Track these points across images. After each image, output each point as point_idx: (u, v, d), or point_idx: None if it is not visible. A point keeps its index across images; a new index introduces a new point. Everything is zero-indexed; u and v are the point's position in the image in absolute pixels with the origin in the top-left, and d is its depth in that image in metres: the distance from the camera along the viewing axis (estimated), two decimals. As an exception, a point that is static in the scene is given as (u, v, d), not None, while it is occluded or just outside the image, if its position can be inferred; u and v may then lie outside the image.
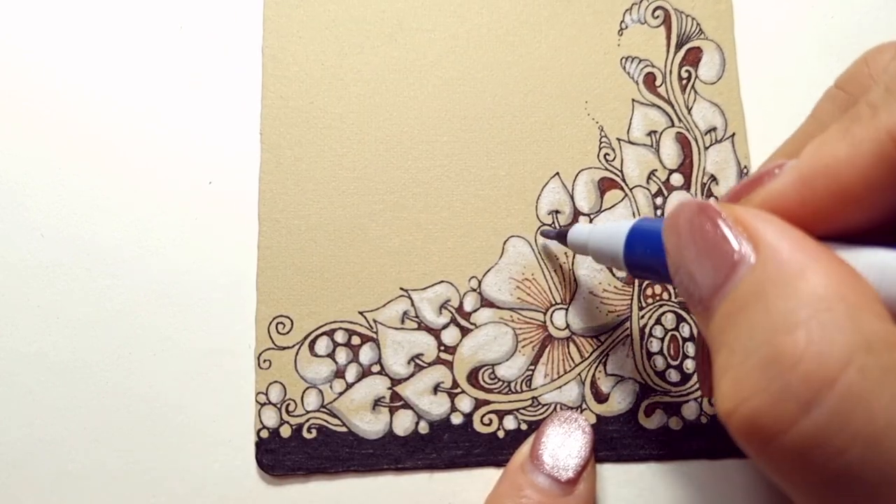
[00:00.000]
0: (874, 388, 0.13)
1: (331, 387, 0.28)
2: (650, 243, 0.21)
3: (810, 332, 0.14)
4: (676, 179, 0.30)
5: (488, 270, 0.29)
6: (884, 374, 0.13)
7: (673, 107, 0.31)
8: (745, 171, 0.30)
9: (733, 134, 0.30)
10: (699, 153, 0.30)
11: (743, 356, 0.15)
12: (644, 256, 0.22)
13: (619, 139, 0.30)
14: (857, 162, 0.16)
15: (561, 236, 0.27)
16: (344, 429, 0.28)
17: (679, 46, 0.31)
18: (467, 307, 0.29)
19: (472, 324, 0.29)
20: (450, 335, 0.29)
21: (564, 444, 0.26)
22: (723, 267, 0.16)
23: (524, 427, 0.28)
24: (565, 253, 0.29)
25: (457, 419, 0.28)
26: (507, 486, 0.26)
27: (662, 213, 0.30)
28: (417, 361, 0.28)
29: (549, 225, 0.29)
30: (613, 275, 0.29)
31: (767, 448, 0.14)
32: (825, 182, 0.16)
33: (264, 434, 0.28)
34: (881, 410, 0.13)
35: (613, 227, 0.23)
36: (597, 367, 0.29)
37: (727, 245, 0.16)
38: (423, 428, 0.28)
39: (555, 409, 0.28)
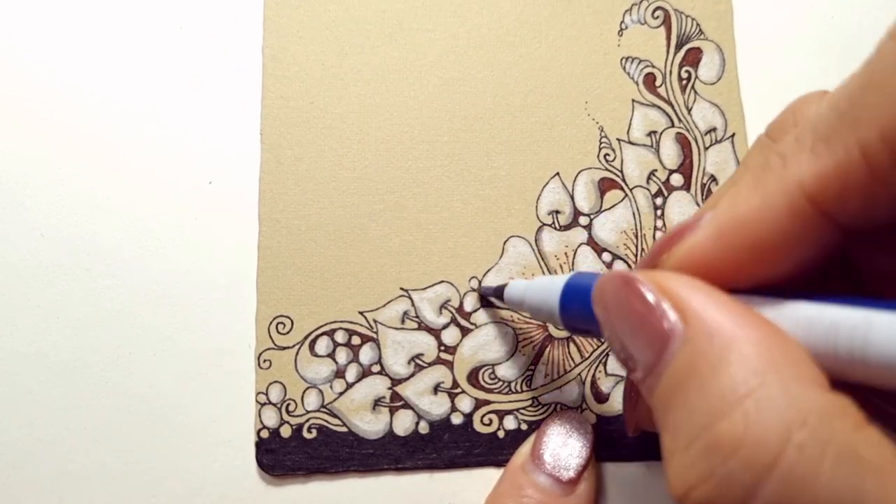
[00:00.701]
0: (814, 466, 0.13)
1: (331, 387, 0.28)
2: (585, 302, 0.20)
3: (746, 415, 0.13)
4: (676, 180, 0.30)
5: (488, 270, 0.29)
6: (822, 449, 0.13)
7: (673, 107, 0.31)
8: (744, 171, 0.30)
9: (733, 134, 0.30)
10: (699, 153, 0.30)
11: (685, 442, 0.15)
12: (580, 316, 0.21)
13: (619, 139, 0.30)
14: (770, 214, 0.16)
15: (498, 293, 0.27)
16: (344, 429, 0.28)
17: (679, 47, 0.31)
18: (467, 307, 0.29)
19: (472, 324, 0.29)
20: (450, 335, 0.29)
21: (566, 444, 0.26)
22: (655, 342, 0.16)
23: (524, 427, 0.28)
24: (565, 253, 0.29)
25: (457, 419, 0.28)
26: (507, 486, 0.26)
27: (662, 214, 0.30)
28: (418, 361, 0.28)
29: (550, 225, 0.30)
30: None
31: None
32: (740, 235, 0.16)
33: (264, 434, 0.28)
34: (824, 488, 0.13)
35: (548, 283, 0.22)
36: (597, 367, 0.29)
37: (655, 319, 0.16)
38: (424, 428, 0.28)
39: (555, 409, 0.28)
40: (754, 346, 0.14)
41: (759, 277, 0.16)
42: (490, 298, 0.28)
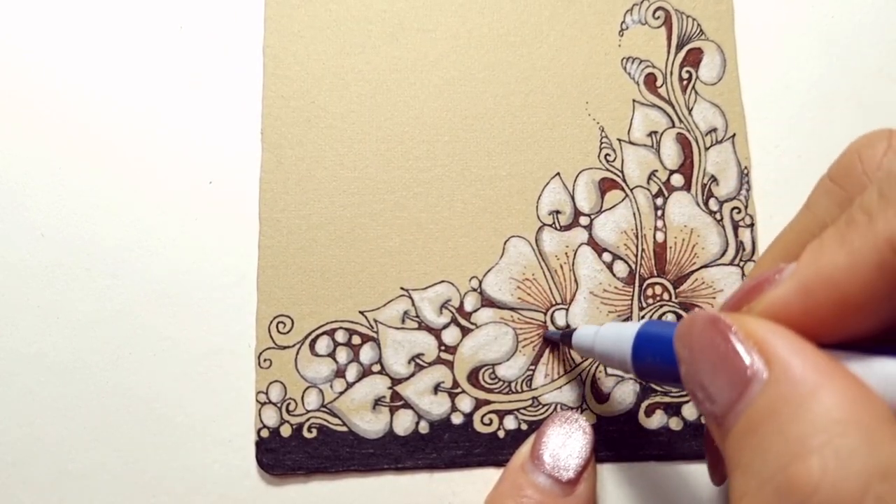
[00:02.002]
0: None
1: (331, 386, 0.28)
2: (658, 350, 0.21)
3: (825, 460, 0.13)
4: (677, 180, 0.30)
5: (489, 270, 0.29)
6: None
7: (673, 107, 0.31)
8: (745, 171, 0.30)
9: (734, 135, 0.30)
10: (700, 154, 0.30)
11: (758, 483, 0.15)
12: (653, 363, 0.21)
13: (619, 140, 0.30)
14: (857, 272, 0.16)
15: (565, 337, 0.27)
16: (344, 428, 0.28)
17: (680, 47, 0.31)
18: (468, 307, 0.29)
19: (472, 324, 0.29)
20: (450, 335, 0.29)
21: (565, 445, 0.26)
22: (737, 383, 0.16)
23: (524, 427, 0.28)
24: (565, 253, 0.29)
25: (457, 419, 0.28)
26: (507, 486, 0.25)
27: (662, 214, 0.30)
28: (418, 361, 0.28)
29: (550, 225, 0.29)
30: (614, 275, 0.29)
31: None
32: (826, 292, 0.16)
33: (264, 433, 0.28)
34: None
35: (619, 331, 0.23)
36: (597, 367, 0.29)
37: (739, 361, 0.16)
38: (424, 428, 0.28)
39: (555, 409, 0.28)
40: (837, 396, 0.14)
41: (843, 333, 0.16)
42: (554, 342, 0.28)
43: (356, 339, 0.29)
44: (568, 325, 0.29)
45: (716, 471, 0.25)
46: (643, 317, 0.29)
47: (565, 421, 0.27)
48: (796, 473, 0.14)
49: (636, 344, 0.22)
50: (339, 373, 0.28)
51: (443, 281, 0.29)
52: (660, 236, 0.30)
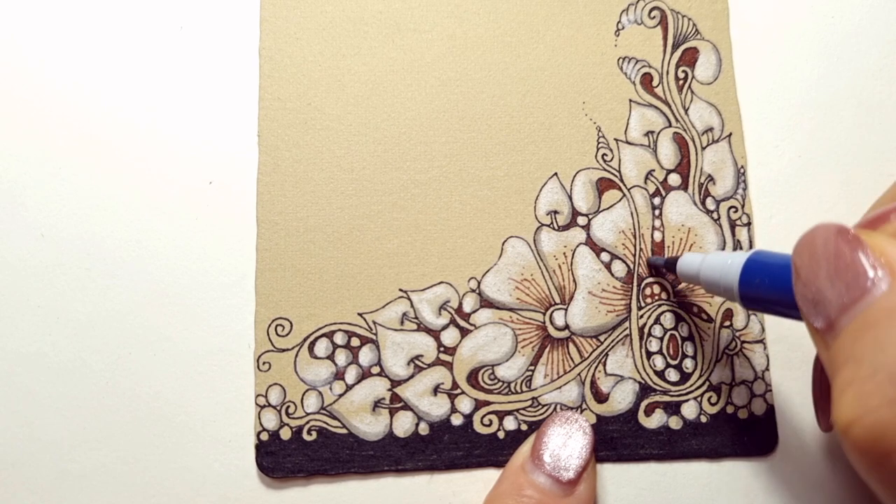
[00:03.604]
0: None
1: (330, 388, 0.28)
2: (767, 274, 0.22)
3: None
4: (674, 179, 0.30)
5: (487, 271, 0.29)
6: None
7: (670, 107, 0.31)
8: (741, 170, 0.30)
9: (730, 134, 0.30)
10: (696, 153, 0.30)
11: (871, 370, 0.15)
12: (760, 287, 0.22)
13: (616, 139, 0.30)
14: None
15: (670, 265, 0.28)
16: (344, 430, 0.28)
17: (676, 47, 0.31)
18: (466, 308, 0.29)
19: (471, 324, 0.29)
20: (449, 336, 0.29)
21: (565, 445, 0.26)
22: (856, 288, 0.17)
23: (524, 428, 0.28)
24: (563, 253, 0.29)
25: (457, 420, 0.28)
26: (507, 486, 0.26)
27: (660, 214, 0.30)
28: (417, 362, 0.28)
29: (548, 225, 0.30)
30: (612, 275, 0.29)
31: (886, 461, 0.15)
32: None
33: (264, 436, 0.28)
34: None
35: (726, 258, 0.24)
36: (596, 366, 0.29)
37: (862, 268, 0.17)
38: (424, 429, 0.28)
39: (555, 409, 0.28)
40: None
41: None
42: (658, 268, 0.29)
43: (355, 341, 0.29)
44: (655, 261, 0.29)
45: (824, 413, 0.26)
46: (642, 316, 0.29)
47: (565, 421, 0.27)
48: None
49: (745, 269, 0.23)
50: (339, 375, 0.28)
51: (441, 282, 0.29)
52: (657, 235, 0.30)
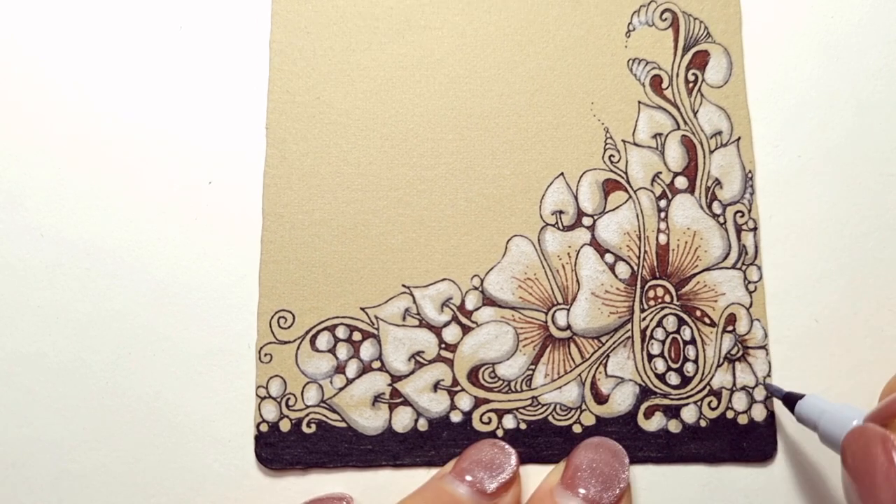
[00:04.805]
0: None
1: (331, 382, 0.28)
2: None
3: None
4: (681, 182, 0.30)
5: (491, 269, 0.29)
6: None
7: (679, 110, 0.30)
8: (749, 175, 0.30)
9: (738, 138, 0.30)
10: (704, 156, 0.30)
11: None
12: None
13: (624, 141, 0.30)
14: None
15: (789, 402, 0.27)
16: (343, 424, 0.28)
17: (686, 49, 0.31)
18: (469, 305, 0.29)
19: (473, 322, 0.29)
20: (451, 333, 0.29)
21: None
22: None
23: (523, 426, 0.28)
24: (567, 253, 0.29)
25: (456, 417, 0.28)
26: None
27: (665, 216, 0.30)
28: (418, 358, 0.29)
29: (553, 225, 0.29)
30: (616, 276, 0.29)
31: None
32: None
33: (264, 428, 0.28)
34: None
35: (850, 415, 0.23)
36: (597, 368, 0.29)
37: None
38: (423, 425, 0.28)
39: (554, 408, 0.28)
40: None
41: None
42: (776, 396, 0.28)
43: (357, 336, 0.29)
44: (775, 390, 0.28)
45: None
46: (644, 319, 0.29)
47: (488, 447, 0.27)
48: None
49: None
50: (340, 369, 0.28)
51: (444, 279, 0.29)
52: (662, 238, 0.30)
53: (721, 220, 0.30)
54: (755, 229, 0.30)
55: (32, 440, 0.28)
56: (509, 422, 0.28)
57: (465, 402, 0.28)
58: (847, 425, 0.23)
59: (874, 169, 0.30)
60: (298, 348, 0.28)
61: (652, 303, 0.29)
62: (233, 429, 0.28)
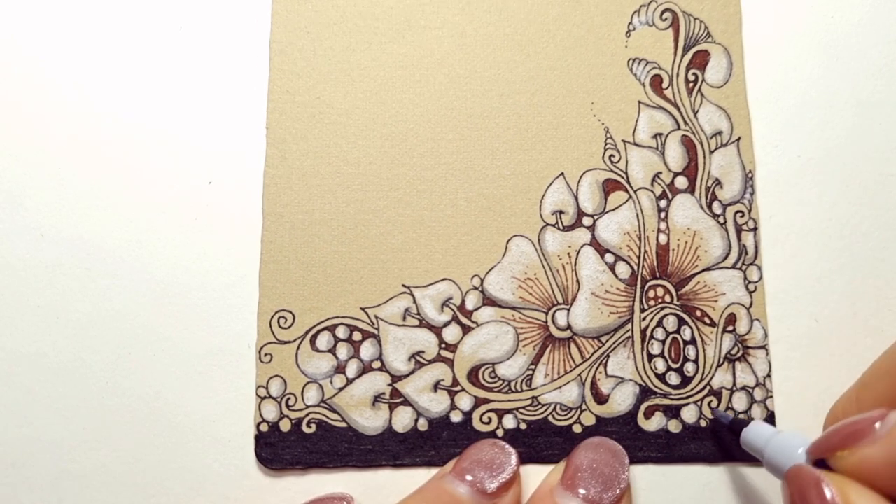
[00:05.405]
0: None
1: (331, 382, 0.28)
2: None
3: None
4: (681, 182, 0.30)
5: (491, 269, 0.29)
6: None
7: (679, 109, 0.30)
8: (749, 175, 0.30)
9: (739, 138, 0.30)
10: (704, 156, 0.30)
11: None
12: None
13: (624, 141, 0.30)
14: None
15: (735, 428, 0.26)
16: (343, 424, 0.28)
17: (687, 49, 0.31)
18: (469, 305, 0.29)
19: (473, 322, 0.29)
20: (451, 333, 0.29)
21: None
22: None
23: (523, 426, 0.28)
24: (567, 253, 0.29)
25: (456, 417, 0.28)
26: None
27: (666, 216, 0.30)
28: (418, 358, 0.29)
29: (553, 225, 0.29)
30: (616, 276, 0.29)
31: None
32: None
33: (264, 428, 0.28)
34: None
35: (798, 443, 0.23)
36: (597, 367, 0.29)
37: None
38: (423, 425, 0.28)
39: (554, 409, 0.28)
40: None
41: None
42: (720, 425, 0.28)
43: (357, 336, 0.29)
44: (733, 411, 0.28)
45: None
46: (645, 319, 0.29)
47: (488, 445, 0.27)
48: None
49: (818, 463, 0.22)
50: (340, 369, 0.28)
51: (444, 279, 0.29)
52: (662, 238, 0.30)
53: (721, 220, 0.30)
54: (755, 229, 0.30)
55: (32, 440, 0.28)
56: (509, 422, 0.28)
57: (465, 402, 0.28)
58: (792, 455, 0.23)
59: (874, 169, 0.30)
60: (298, 348, 0.28)
61: (652, 303, 0.29)
62: (233, 429, 0.28)
